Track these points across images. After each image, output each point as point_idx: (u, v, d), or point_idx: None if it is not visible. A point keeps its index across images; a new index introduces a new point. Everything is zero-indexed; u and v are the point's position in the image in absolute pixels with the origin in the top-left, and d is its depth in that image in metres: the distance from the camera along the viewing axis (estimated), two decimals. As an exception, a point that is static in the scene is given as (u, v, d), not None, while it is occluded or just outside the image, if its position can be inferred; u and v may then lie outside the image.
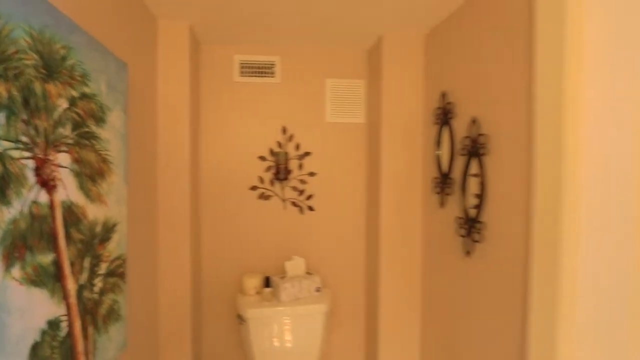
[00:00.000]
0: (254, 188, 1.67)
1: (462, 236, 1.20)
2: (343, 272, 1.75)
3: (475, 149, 1.13)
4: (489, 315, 1.08)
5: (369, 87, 1.69)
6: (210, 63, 1.63)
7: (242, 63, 1.65)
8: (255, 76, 1.66)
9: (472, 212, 1.15)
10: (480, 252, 1.12)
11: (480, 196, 1.10)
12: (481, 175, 1.10)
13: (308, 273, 1.67)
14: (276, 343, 1.50)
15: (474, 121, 1.15)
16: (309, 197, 1.71)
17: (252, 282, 1.60)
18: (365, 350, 1.76)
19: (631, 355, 0.80)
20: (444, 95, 1.35)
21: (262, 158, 1.67)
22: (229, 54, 1.64)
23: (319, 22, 1.40)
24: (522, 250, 0.93)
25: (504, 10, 1.02)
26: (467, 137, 1.17)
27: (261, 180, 1.68)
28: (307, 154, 1.70)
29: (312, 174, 1.71)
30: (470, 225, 1.15)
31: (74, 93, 0.77)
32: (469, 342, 1.19)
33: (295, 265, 1.65)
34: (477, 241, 1.13)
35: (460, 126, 1.24)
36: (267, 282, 1.64)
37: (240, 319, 1.53)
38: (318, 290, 1.61)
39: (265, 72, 1.67)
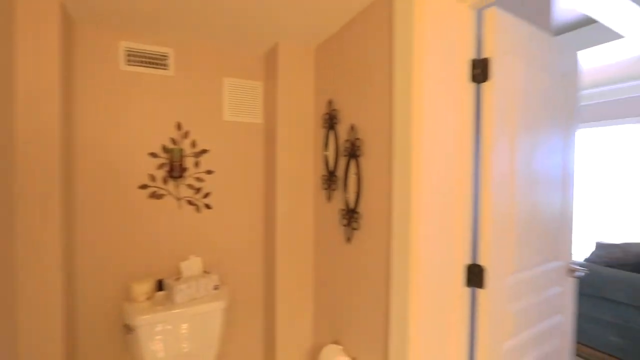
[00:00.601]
0: (144, 187, 1.56)
1: (345, 225, 1.40)
2: (242, 268, 1.79)
3: (353, 151, 1.33)
4: (364, 289, 1.29)
5: (266, 89, 1.77)
6: (91, 47, 1.45)
7: (128, 51, 1.52)
8: (145, 66, 1.55)
9: (352, 205, 1.35)
10: (358, 238, 1.33)
11: (358, 191, 1.31)
12: (358, 174, 1.31)
13: (205, 272, 1.66)
14: (171, 349, 1.44)
15: (352, 127, 1.35)
16: (206, 195, 1.69)
17: (142, 288, 1.50)
18: (264, 337, 1.84)
19: (452, 312, 1.10)
20: (330, 102, 1.53)
21: (154, 155, 1.58)
22: (114, 39, 1.49)
23: (215, 18, 1.41)
24: (385, 234, 1.16)
25: (373, 37, 1.23)
26: (347, 140, 1.37)
27: (152, 178, 1.58)
28: (204, 151, 1.68)
29: (209, 172, 1.70)
30: (350, 216, 1.35)
31: None
32: (351, 314, 1.39)
33: (192, 265, 1.61)
34: (355, 229, 1.33)
35: (343, 130, 1.43)
36: (160, 286, 1.56)
37: (128, 328, 1.42)
38: (216, 288, 1.61)
39: (157, 64, 1.57)
